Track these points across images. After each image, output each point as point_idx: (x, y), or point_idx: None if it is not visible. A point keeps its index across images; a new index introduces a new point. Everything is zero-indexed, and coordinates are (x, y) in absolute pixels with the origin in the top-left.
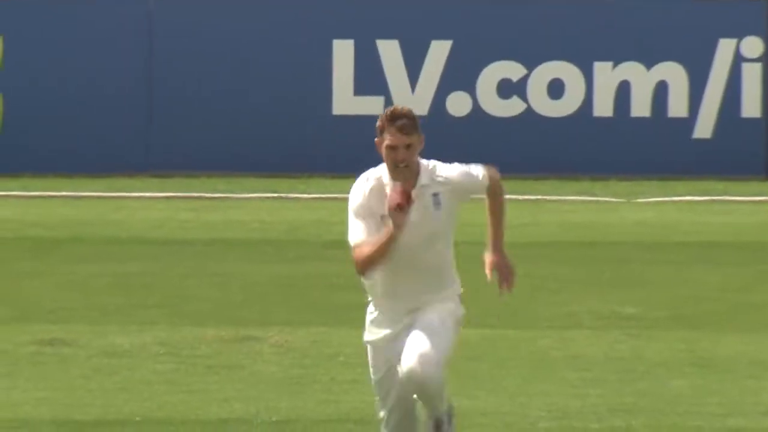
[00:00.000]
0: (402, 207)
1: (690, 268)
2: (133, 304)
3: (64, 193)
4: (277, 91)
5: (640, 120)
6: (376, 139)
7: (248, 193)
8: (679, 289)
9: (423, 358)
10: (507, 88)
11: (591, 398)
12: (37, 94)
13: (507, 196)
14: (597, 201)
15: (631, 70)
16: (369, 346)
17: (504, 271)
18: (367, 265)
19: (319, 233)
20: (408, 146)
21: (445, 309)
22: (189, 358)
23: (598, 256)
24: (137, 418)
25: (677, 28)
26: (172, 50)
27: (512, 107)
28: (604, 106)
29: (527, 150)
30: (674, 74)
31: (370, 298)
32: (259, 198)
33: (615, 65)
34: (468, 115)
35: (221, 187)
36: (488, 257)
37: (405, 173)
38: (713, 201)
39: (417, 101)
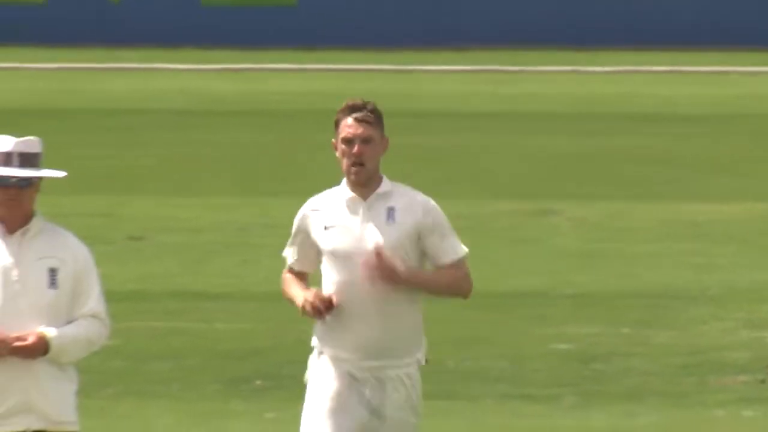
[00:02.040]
0: (318, 312)
1: None
2: (434, 177)
3: (361, 66)
4: None
5: None
6: (333, 140)
7: (546, 66)
8: None
9: None
10: None
11: None
12: None
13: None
14: None
15: None
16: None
17: (379, 267)
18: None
19: (620, 106)
20: (366, 140)
21: (409, 414)
22: (488, 231)
23: None
24: None
25: None
26: None
27: None
28: None
29: None
30: None
31: (313, 348)
32: (557, 71)
33: None
34: None
35: (520, 60)
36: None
37: (361, 176)
38: None
39: None
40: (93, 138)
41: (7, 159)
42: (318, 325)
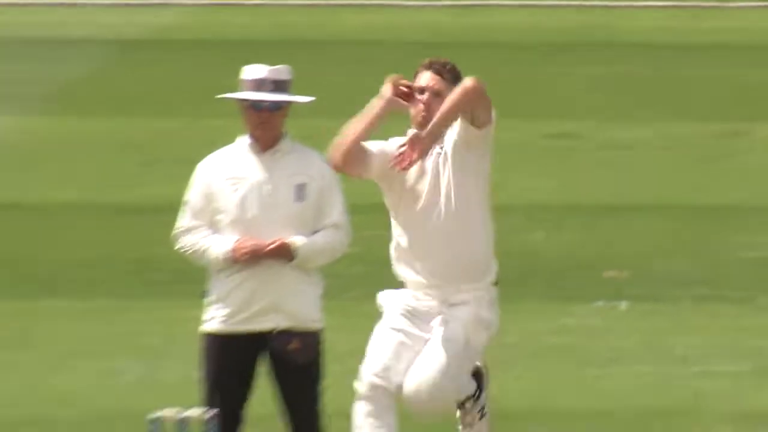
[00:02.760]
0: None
1: None
2: (635, 102)
3: (569, 3)
4: None
5: None
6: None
7: (743, 1)
8: None
9: (433, 388)
10: None
11: None
12: None
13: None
14: None
15: None
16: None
17: (412, 143)
18: (346, 136)
19: None
20: (437, 93)
21: (476, 324)
22: (684, 151)
23: None
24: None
25: None
26: None
27: None
28: None
29: None
30: None
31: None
32: (754, 6)
33: None
34: None
35: None
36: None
37: (425, 124)
38: None
39: None
40: (338, 68)
41: (260, 85)
42: (397, 251)
